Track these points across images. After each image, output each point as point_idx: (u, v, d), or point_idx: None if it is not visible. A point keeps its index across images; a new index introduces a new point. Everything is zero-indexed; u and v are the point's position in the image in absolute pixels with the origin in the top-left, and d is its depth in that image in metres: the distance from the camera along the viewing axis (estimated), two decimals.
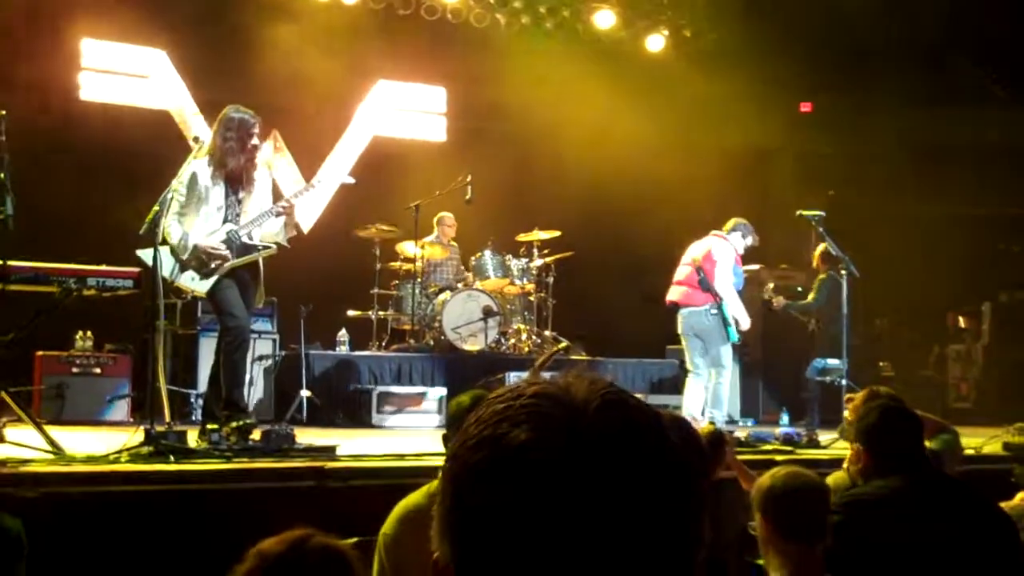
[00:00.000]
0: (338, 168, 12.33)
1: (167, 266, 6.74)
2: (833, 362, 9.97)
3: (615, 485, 1.14)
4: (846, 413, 5.51)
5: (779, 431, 8.64)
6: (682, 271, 9.60)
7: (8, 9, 10.56)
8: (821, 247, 10.09)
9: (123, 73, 11.72)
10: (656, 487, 1.16)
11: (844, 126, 13.93)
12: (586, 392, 1.19)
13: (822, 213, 10.01)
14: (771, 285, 10.89)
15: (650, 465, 1.17)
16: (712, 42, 13.27)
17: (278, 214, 7.01)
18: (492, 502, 1.15)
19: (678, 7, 13.38)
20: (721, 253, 9.45)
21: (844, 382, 9.20)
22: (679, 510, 1.18)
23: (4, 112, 6.41)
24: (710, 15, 13.43)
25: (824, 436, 8.70)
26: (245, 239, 6.98)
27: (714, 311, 9.38)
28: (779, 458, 6.94)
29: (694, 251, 9.64)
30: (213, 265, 6.85)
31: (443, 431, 8.51)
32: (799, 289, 11.17)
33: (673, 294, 9.62)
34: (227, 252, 6.86)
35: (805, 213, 9.94)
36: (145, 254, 6.67)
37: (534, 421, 1.16)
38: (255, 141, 6.93)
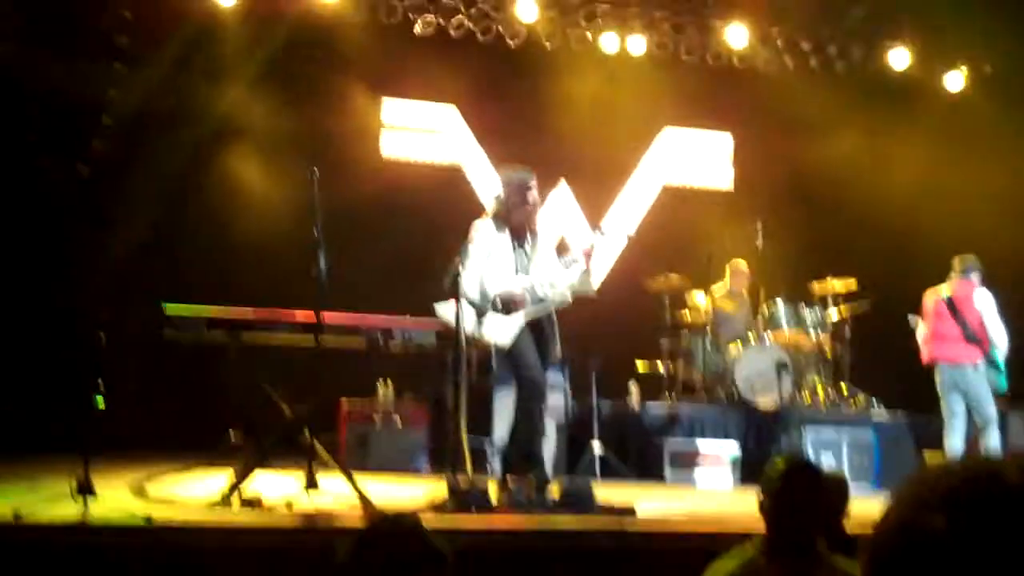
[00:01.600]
0: (626, 218, 12.25)
1: (467, 319, 6.84)
2: None
3: None
4: None
5: None
6: (939, 324, 9.18)
7: (312, 72, 11.05)
8: None
9: (419, 129, 12.01)
10: None
11: None
12: (1020, 476, 1.07)
13: None
14: None
15: None
16: (1016, 78, 12.46)
17: (576, 261, 7.17)
18: None
19: (977, 43, 12.65)
20: (984, 300, 9.06)
21: None
22: None
23: (316, 169, 6.63)
24: (1013, 50, 12.53)
25: None
26: (539, 290, 7.08)
27: (981, 364, 8.99)
28: None
29: (943, 300, 9.20)
30: (512, 314, 6.96)
31: (741, 489, 8.83)
32: None
33: (933, 351, 9.23)
34: (526, 299, 6.99)
35: None
36: (444, 308, 6.79)
37: (954, 507, 1.06)
38: (534, 195, 7.14)
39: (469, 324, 6.89)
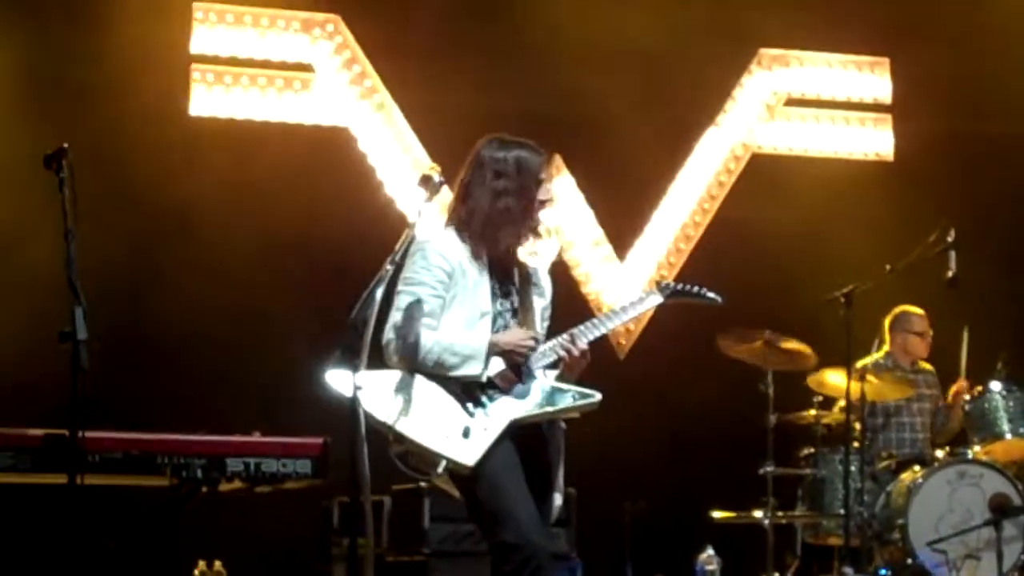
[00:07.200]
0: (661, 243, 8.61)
1: (384, 404, 4.39)
2: None
3: None
4: None
5: None
6: None
7: None
8: None
9: (265, 64, 8.40)
10: None
11: None
12: None
13: None
14: None
15: None
16: None
17: (556, 360, 4.61)
18: None
19: None
20: None
21: None
22: None
23: (67, 148, 4.41)
24: None
25: None
26: (539, 374, 4.70)
27: None
28: None
29: None
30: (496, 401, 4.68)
31: None
32: None
33: None
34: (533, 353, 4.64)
35: None
36: (341, 380, 4.48)
37: None
38: (545, 197, 4.70)
39: (387, 413, 4.34)
